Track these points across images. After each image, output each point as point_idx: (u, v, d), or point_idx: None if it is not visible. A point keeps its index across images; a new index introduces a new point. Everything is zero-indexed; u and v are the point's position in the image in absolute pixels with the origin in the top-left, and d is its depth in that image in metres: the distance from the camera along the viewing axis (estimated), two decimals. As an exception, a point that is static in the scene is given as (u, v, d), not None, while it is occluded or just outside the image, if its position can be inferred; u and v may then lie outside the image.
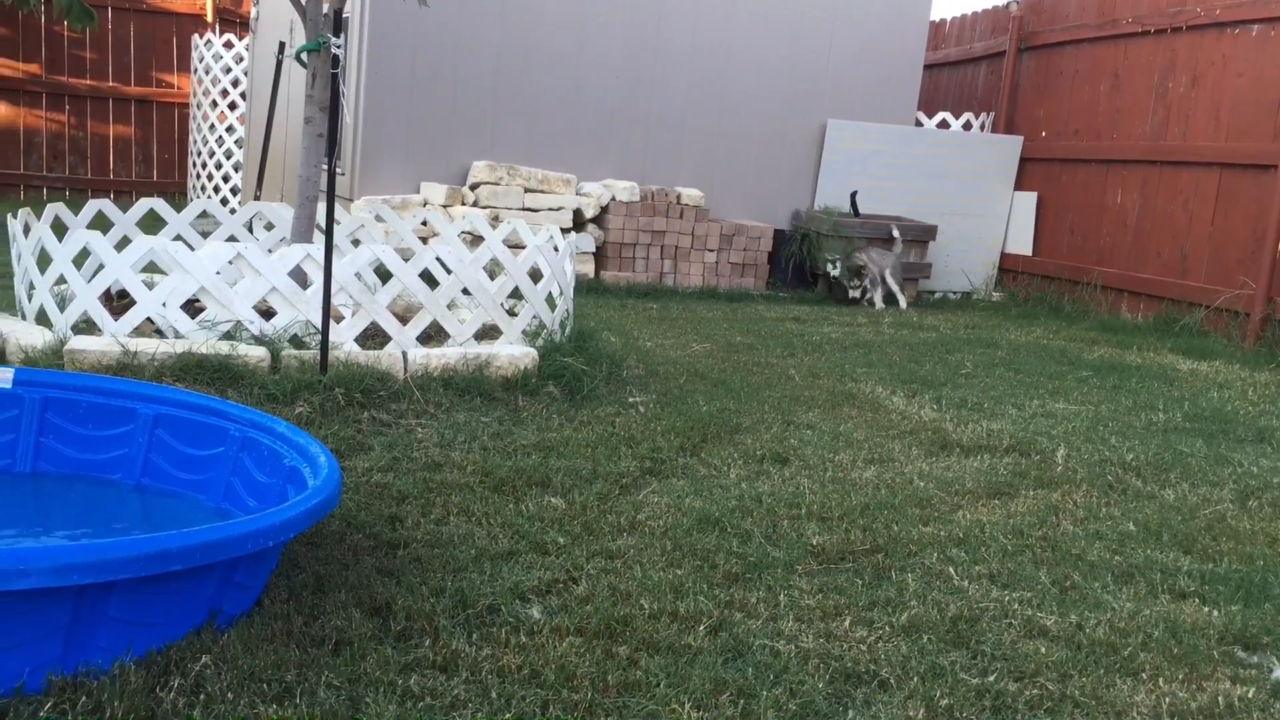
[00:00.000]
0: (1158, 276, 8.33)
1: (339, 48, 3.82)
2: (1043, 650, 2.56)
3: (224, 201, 11.48)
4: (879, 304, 8.52)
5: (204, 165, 11.83)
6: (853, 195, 8.95)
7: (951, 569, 3.03)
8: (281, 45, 7.90)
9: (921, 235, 8.98)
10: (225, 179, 11.72)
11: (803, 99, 9.15)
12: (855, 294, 8.56)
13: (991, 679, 2.40)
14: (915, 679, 2.37)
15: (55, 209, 4.98)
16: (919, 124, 9.95)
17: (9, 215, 4.74)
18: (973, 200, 9.59)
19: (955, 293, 9.56)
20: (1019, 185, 9.69)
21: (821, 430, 4.45)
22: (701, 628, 2.54)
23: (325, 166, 4.40)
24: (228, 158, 11.68)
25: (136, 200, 5.62)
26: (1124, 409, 5.23)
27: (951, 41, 11.14)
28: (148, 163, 12.78)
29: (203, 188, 11.86)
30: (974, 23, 10.77)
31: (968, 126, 10.18)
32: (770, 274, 8.93)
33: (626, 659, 2.36)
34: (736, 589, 2.80)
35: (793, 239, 9.03)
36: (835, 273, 8.58)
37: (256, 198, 7.94)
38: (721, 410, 4.59)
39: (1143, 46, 8.62)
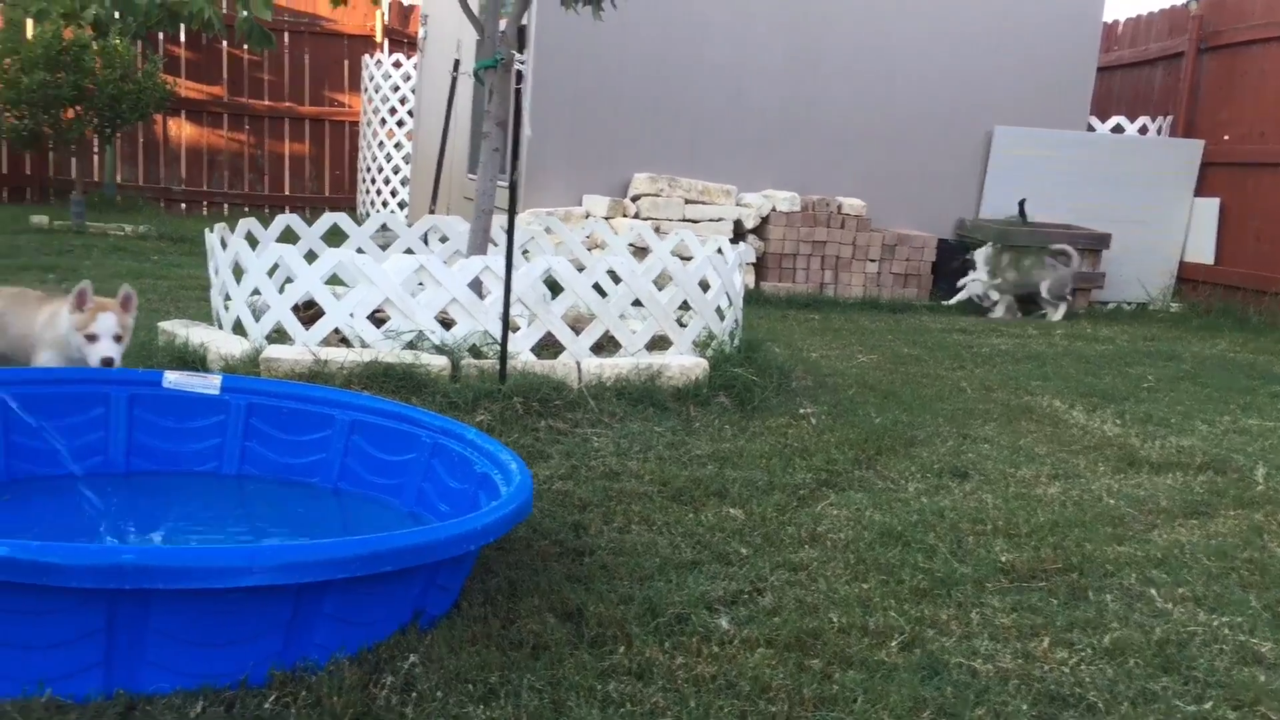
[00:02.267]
0: (1355, 286, 7.84)
1: (523, 64, 3.90)
2: (1261, 678, 2.43)
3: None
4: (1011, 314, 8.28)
5: (373, 181, 12.28)
6: (1021, 203, 8.70)
7: (1153, 590, 2.90)
8: (456, 63, 8.13)
9: (1094, 244, 8.66)
10: (393, 193, 12.13)
11: (968, 106, 8.95)
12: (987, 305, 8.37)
13: (1208, 706, 2.28)
14: (1125, 704, 2.28)
15: (248, 224, 5.23)
16: (1091, 129, 9.60)
17: (205, 230, 5.00)
18: (1149, 207, 9.19)
19: (1129, 303, 9.18)
20: (1199, 191, 9.25)
21: (999, 444, 4.33)
22: (893, 643, 2.50)
23: (503, 181, 4.50)
24: (395, 173, 12.09)
25: (309, 215, 5.87)
26: (1325, 426, 4.94)
27: (1125, 43, 10.73)
28: (320, 179, 13.33)
29: (371, 203, 12.30)
30: (1149, 23, 10.35)
31: (1143, 131, 9.78)
32: (934, 284, 8.75)
33: (820, 672, 2.34)
34: (926, 605, 2.74)
35: (957, 249, 8.82)
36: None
37: (432, 211, 8.18)
38: (894, 422, 4.51)
39: (1338, 43, 8.14)
